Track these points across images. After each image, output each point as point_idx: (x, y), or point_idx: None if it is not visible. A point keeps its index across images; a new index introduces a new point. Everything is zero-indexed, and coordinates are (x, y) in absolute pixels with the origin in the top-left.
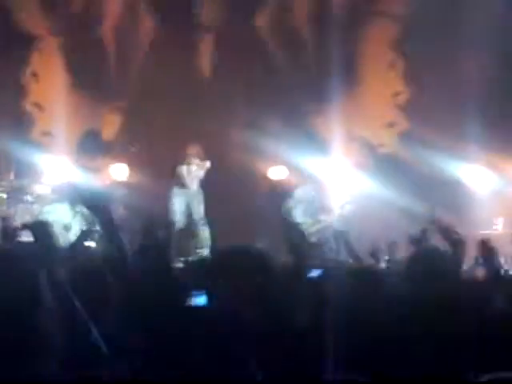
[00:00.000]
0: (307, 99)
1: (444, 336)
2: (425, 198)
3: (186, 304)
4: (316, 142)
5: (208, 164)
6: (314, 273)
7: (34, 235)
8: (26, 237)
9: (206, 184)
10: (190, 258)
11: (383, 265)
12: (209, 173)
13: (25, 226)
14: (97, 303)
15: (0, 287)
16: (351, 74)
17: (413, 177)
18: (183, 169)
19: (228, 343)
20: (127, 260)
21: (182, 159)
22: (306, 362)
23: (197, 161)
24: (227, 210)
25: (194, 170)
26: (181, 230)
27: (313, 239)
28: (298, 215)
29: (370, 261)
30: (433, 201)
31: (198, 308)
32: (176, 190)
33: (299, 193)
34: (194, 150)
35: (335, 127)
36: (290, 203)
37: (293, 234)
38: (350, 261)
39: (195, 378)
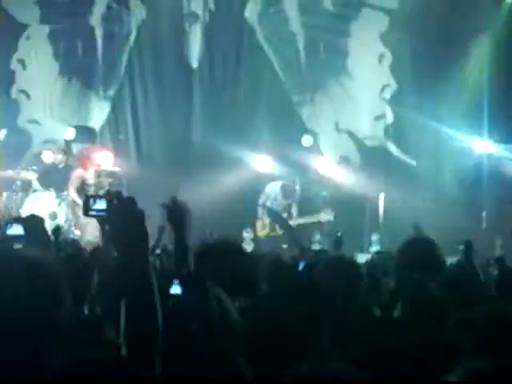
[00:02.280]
0: (296, 90)
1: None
2: (412, 190)
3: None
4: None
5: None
6: (302, 265)
7: (25, 229)
8: (16, 231)
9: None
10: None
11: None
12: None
13: (16, 220)
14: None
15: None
16: (340, 65)
17: (399, 170)
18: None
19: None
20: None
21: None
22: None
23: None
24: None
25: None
26: None
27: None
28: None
29: None
30: (419, 193)
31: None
32: None
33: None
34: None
35: (323, 119)
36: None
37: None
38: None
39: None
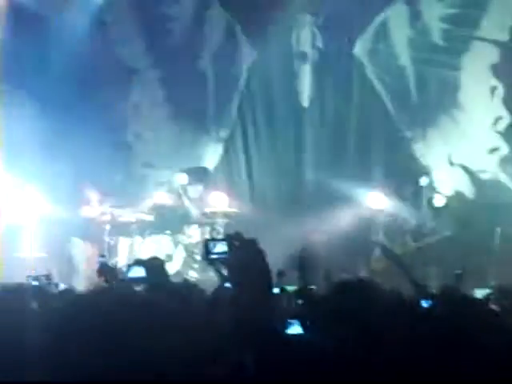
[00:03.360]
0: (407, 125)
1: None
2: None
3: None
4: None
5: None
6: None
7: (147, 272)
8: (137, 273)
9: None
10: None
11: None
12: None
13: (137, 262)
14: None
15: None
16: (452, 99)
17: None
18: None
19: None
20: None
21: None
22: None
23: None
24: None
25: None
26: None
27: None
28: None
29: None
30: None
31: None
32: None
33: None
34: None
35: (436, 154)
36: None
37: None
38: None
39: None
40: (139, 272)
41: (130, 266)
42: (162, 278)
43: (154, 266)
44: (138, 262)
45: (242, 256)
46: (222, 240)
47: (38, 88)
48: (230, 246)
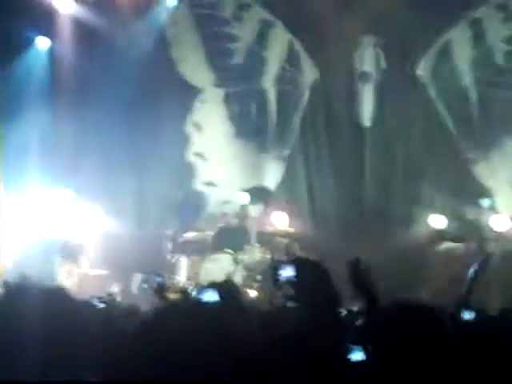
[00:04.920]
0: (470, 147)
1: None
2: None
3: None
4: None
5: None
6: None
7: (221, 295)
8: (210, 297)
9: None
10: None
11: None
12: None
13: (210, 285)
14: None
15: None
16: None
17: None
18: None
19: None
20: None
21: None
22: None
23: None
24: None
25: None
26: None
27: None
28: None
29: None
30: None
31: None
32: None
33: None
34: None
35: (498, 176)
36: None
37: None
38: None
39: None
40: (212, 296)
41: (202, 289)
42: (236, 301)
43: (228, 289)
44: (211, 285)
45: (309, 278)
46: (290, 263)
47: (101, 106)
48: (297, 268)
